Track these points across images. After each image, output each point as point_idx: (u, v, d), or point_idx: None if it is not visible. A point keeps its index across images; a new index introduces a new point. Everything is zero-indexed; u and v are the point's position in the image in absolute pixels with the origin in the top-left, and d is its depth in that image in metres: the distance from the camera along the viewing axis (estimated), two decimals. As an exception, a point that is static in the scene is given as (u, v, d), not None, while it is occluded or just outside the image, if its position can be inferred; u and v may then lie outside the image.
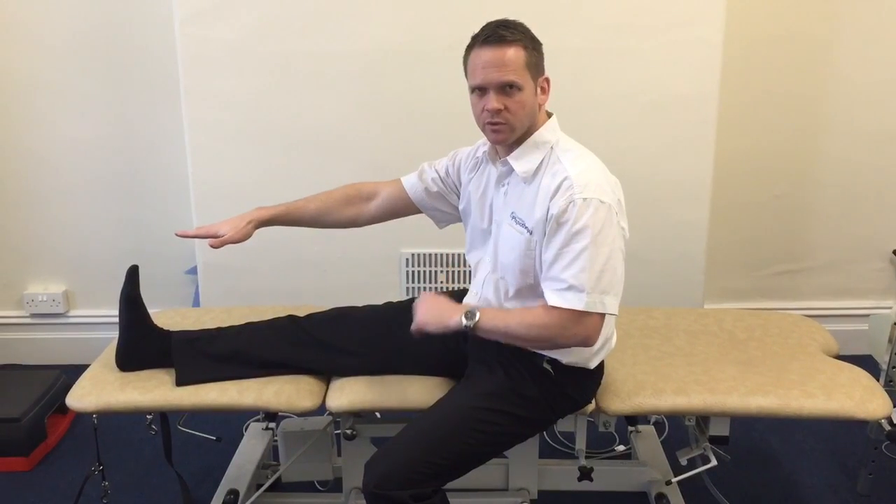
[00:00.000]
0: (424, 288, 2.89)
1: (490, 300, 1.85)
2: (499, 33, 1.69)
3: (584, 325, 1.65)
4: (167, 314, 2.30)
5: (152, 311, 2.11)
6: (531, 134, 1.75)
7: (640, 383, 1.95)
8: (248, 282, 2.84)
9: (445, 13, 2.61)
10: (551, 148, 1.75)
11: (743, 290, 3.28)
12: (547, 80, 1.74)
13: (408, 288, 2.90)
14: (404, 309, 2.07)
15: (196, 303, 3.00)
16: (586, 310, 1.63)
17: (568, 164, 1.70)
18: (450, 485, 1.79)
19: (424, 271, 2.88)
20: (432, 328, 1.74)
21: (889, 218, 3.20)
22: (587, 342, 1.69)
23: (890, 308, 2.40)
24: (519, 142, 1.76)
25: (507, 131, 1.72)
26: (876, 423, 2.21)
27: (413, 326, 1.76)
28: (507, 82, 1.68)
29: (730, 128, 2.90)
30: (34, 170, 3.11)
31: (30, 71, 2.99)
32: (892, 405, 1.92)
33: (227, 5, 2.62)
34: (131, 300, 1.97)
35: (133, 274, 1.96)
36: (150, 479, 2.54)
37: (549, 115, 1.81)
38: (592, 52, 2.66)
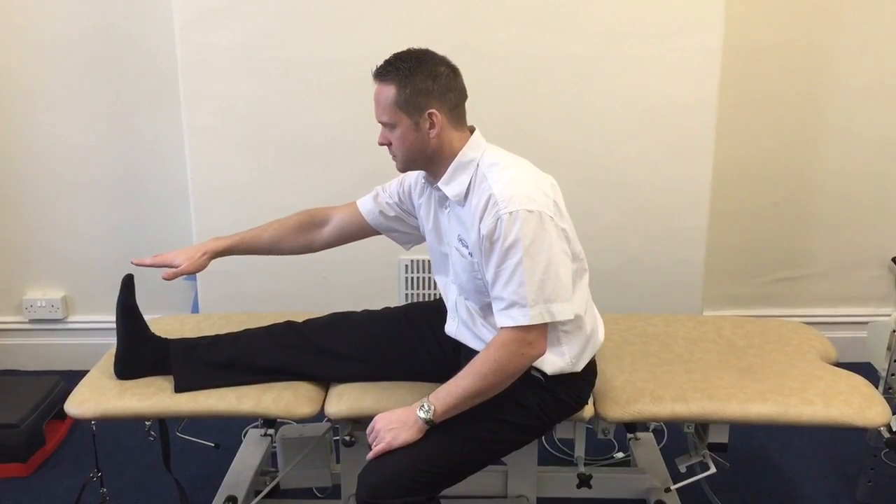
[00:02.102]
0: (423, 295, 2.89)
1: (467, 322, 1.86)
2: (379, 69, 1.72)
3: (531, 340, 1.67)
4: (166, 320, 2.30)
5: (151, 317, 2.11)
6: (453, 157, 1.75)
7: (638, 390, 1.94)
8: (246, 287, 2.84)
9: (444, 20, 2.62)
10: (477, 165, 1.74)
11: (742, 297, 3.28)
12: (432, 114, 1.69)
13: (406, 294, 2.90)
14: (403, 315, 2.08)
15: (195, 308, 3.00)
16: (531, 323, 1.65)
17: (492, 180, 1.69)
18: (447, 492, 1.78)
19: (422, 278, 2.88)
20: (399, 443, 1.70)
21: (888, 225, 3.20)
22: (539, 355, 1.70)
23: (889, 315, 2.39)
24: (443, 166, 1.76)
25: (400, 163, 1.78)
26: (875, 430, 2.20)
27: (371, 455, 1.71)
28: (380, 121, 1.74)
29: (728, 135, 2.90)
30: (33, 175, 3.11)
31: (30, 76, 2.99)
32: (890, 412, 1.92)
33: (227, 11, 2.62)
34: (127, 309, 1.96)
35: (128, 283, 1.96)
36: (148, 485, 2.54)
37: (472, 129, 1.79)
38: (591, 60, 2.67)
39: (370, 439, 1.73)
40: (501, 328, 1.68)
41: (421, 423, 1.70)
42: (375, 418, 1.75)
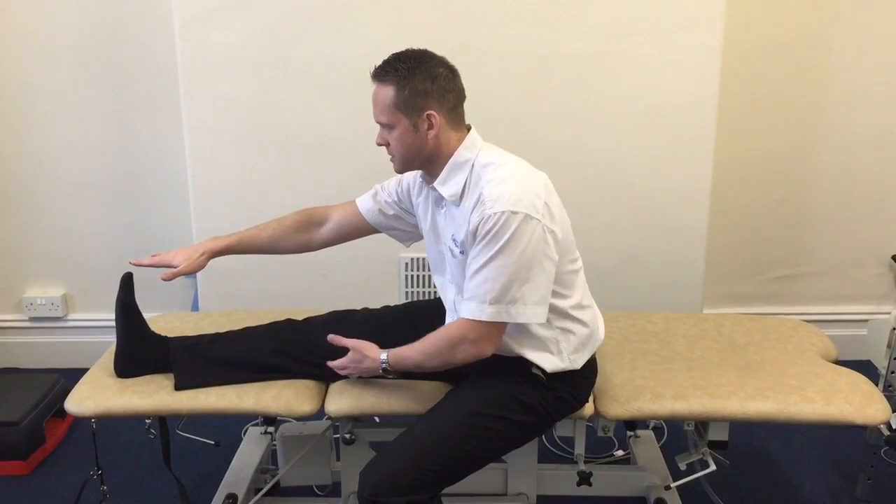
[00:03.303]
0: (423, 293, 2.89)
1: None
2: (377, 70, 1.72)
3: (476, 338, 1.69)
4: (166, 318, 2.30)
5: (152, 314, 2.12)
6: (450, 156, 1.75)
7: (639, 388, 1.94)
8: (246, 285, 2.84)
9: (445, 18, 2.62)
10: (472, 165, 1.74)
11: (742, 295, 3.28)
12: (430, 115, 1.70)
13: (406, 292, 2.90)
14: (402, 313, 2.08)
15: (195, 306, 3.00)
16: (486, 320, 1.66)
17: (485, 180, 1.70)
18: (448, 490, 1.79)
19: (422, 276, 2.88)
20: (349, 372, 1.89)
21: (888, 223, 3.20)
22: (480, 354, 1.71)
23: (889, 313, 2.39)
24: (441, 166, 1.76)
25: (398, 163, 1.78)
26: (875, 428, 2.21)
27: (333, 363, 1.88)
28: (378, 121, 1.74)
29: (729, 132, 2.90)
30: (34, 173, 3.11)
31: (30, 74, 2.99)
32: (890, 410, 1.92)
33: (227, 10, 2.62)
34: (127, 308, 1.96)
35: (128, 281, 1.96)
36: (148, 483, 2.54)
37: (469, 128, 1.79)
38: (592, 58, 2.67)
39: (342, 363, 1.87)
40: (459, 317, 1.72)
41: (381, 366, 1.81)
42: (353, 349, 1.86)
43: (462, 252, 1.74)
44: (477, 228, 1.66)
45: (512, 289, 1.65)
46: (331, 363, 1.89)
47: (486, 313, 1.66)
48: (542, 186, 1.72)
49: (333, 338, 1.88)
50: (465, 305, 1.70)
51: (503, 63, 2.66)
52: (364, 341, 1.86)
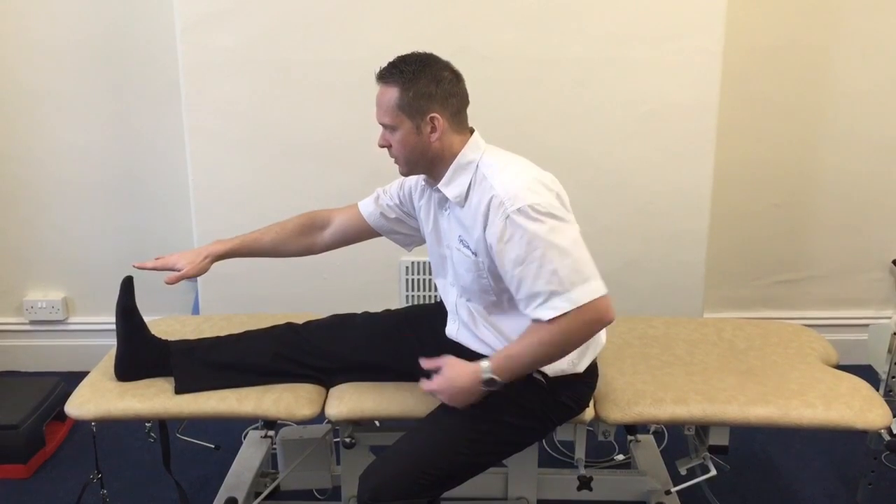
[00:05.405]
0: (424, 296, 2.89)
1: (468, 324, 1.85)
2: (382, 71, 1.72)
3: (586, 318, 1.62)
4: (167, 322, 2.30)
5: (152, 318, 2.11)
6: (453, 159, 1.74)
7: (639, 392, 1.94)
8: (247, 289, 2.84)
9: (446, 22, 2.62)
10: (476, 166, 1.74)
11: (742, 300, 3.28)
12: (434, 117, 1.69)
13: (407, 296, 2.90)
14: (403, 317, 2.08)
15: (196, 310, 3.00)
16: (576, 306, 1.61)
17: (493, 180, 1.69)
18: (448, 494, 1.79)
19: (423, 279, 2.88)
20: (456, 404, 1.73)
21: (889, 228, 3.20)
22: (605, 323, 1.65)
23: (889, 318, 2.40)
24: (444, 169, 1.75)
25: (403, 165, 1.78)
26: (875, 433, 2.21)
27: (427, 387, 1.74)
28: (381, 123, 1.74)
29: (729, 137, 2.90)
30: (35, 176, 3.11)
31: (32, 77, 3.00)
32: (891, 415, 1.92)
33: (228, 13, 2.62)
34: (127, 311, 1.96)
35: (128, 285, 1.96)
36: (148, 487, 2.53)
37: (472, 131, 1.79)
38: (593, 62, 2.67)
39: (435, 386, 1.73)
40: (549, 320, 1.62)
41: (482, 391, 1.69)
42: (446, 365, 1.72)
43: (475, 253, 1.73)
44: (505, 230, 1.63)
45: (577, 268, 1.61)
46: (425, 386, 1.75)
47: (571, 301, 1.60)
48: (550, 181, 1.72)
49: (427, 361, 1.77)
50: (547, 307, 1.61)
51: (504, 67, 2.66)
52: (453, 357, 1.75)
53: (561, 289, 1.61)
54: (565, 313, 1.61)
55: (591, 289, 1.62)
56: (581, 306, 1.60)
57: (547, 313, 1.62)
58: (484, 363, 1.68)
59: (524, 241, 1.62)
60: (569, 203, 1.73)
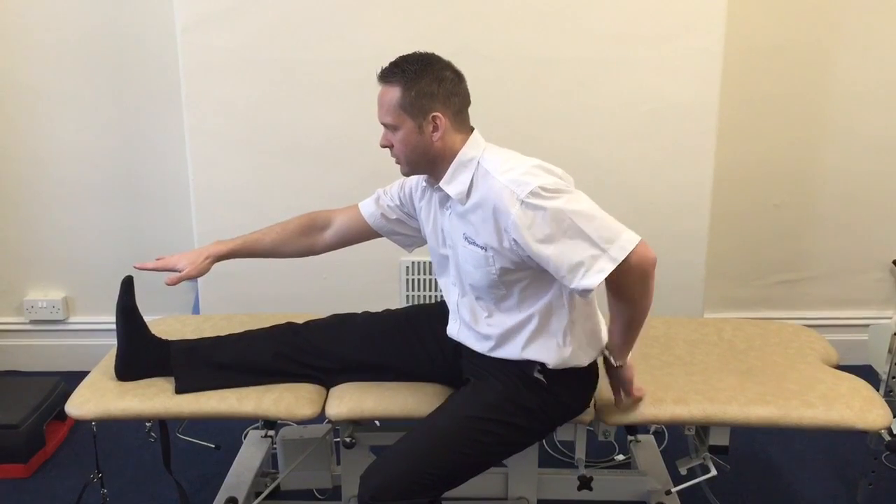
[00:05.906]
0: (424, 296, 2.89)
1: (469, 323, 1.85)
2: (384, 71, 1.72)
3: (634, 269, 1.64)
4: (167, 321, 2.30)
5: (152, 318, 2.11)
6: (454, 158, 1.74)
7: (639, 392, 1.94)
8: (247, 289, 2.84)
9: (447, 21, 2.63)
10: (478, 163, 1.74)
11: (743, 300, 3.28)
12: (436, 117, 1.70)
13: (407, 296, 2.90)
14: (403, 317, 2.08)
15: (196, 310, 3.00)
16: (619, 259, 1.62)
17: (496, 173, 1.69)
18: (448, 494, 1.78)
19: (424, 279, 2.88)
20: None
21: (889, 228, 3.20)
22: (652, 264, 1.68)
23: (890, 318, 2.39)
24: (445, 168, 1.75)
25: (404, 165, 1.78)
26: (876, 433, 2.21)
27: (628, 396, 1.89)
28: (383, 123, 1.74)
29: (730, 137, 2.90)
30: (35, 175, 3.11)
31: (32, 77, 3.00)
32: (891, 416, 1.92)
33: (228, 13, 2.63)
34: (127, 311, 1.96)
35: (128, 284, 1.96)
36: (148, 486, 2.54)
37: (472, 128, 1.79)
38: (593, 62, 2.67)
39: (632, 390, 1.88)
40: (612, 292, 1.72)
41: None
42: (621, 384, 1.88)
43: (483, 248, 1.72)
44: (523, 218, 1.62)
45: (605, 226, 1.63)
46: (640, 394, 1.90)
47: (611, 259, 1.62)
48: (550, 165, 1.72)
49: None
50: (593, 275, 1.62)
51: (504, 66, 2.66)
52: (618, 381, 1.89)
53: (599, 251, 1.62)
54: (612, 272, 1.62)
55: (625, 241, 1.64)
56: (622, 261, 1.62)
57: (594, 278, 1.62)
58: (617, 361, 1.84)
59: (548, 218, 1.62)
60: (573, 184, 1.73)
